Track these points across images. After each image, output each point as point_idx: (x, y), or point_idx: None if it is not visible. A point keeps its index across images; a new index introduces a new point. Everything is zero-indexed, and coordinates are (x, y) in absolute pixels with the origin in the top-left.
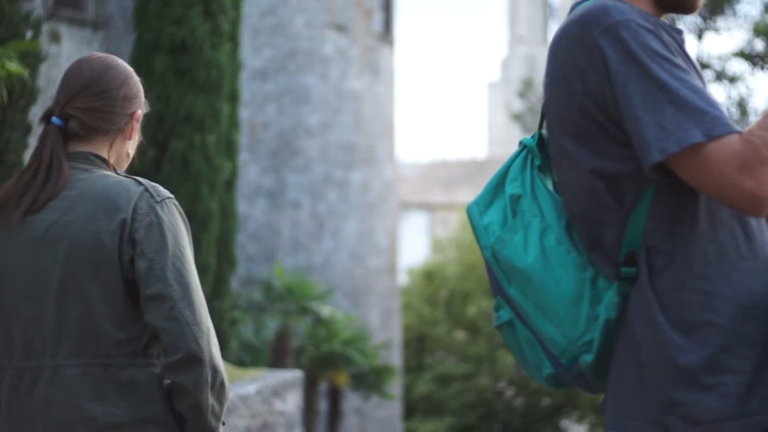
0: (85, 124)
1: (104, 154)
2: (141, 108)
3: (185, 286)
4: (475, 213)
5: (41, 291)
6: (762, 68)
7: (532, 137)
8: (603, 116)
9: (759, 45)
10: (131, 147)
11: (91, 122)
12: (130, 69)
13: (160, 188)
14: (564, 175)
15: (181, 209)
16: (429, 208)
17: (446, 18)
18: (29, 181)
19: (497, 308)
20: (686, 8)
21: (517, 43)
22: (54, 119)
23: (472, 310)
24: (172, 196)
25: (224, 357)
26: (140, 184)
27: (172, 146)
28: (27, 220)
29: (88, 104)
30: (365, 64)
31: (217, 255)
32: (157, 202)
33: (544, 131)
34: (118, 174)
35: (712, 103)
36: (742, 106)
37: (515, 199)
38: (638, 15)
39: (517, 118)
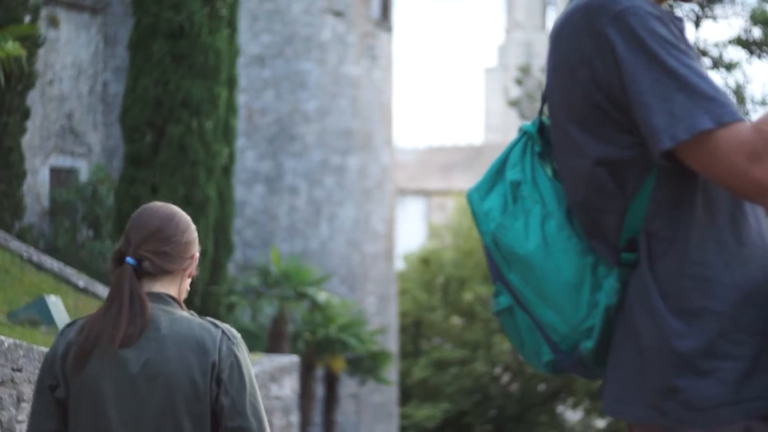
0: (156, 265)
1: (174, 293)
2: (197, 251)
3: (260, 420)
4: (475, 199)
5: (138, 420)
6: (759, 56)
7: (532, 123)
8: (609, 103)
9: (756, 32)
10: (188, 285)
11: (162, 264)
12: (188, 217)
13: (233, 330)
14: (566, 161)
15: (244, 344)
16: (426, 194)
17: (444, 3)
18: (116, 316)
19: (497, 294)
20: None
21: (514, 29)
22: (128, 259)
23: (468, 296)
24: (239, 335)
25: None
26: (217, 326)
27: (169, 131)
28: (121, 354)
29: (158, 248)
30: (363, 49)
31: (214, 240)
32: (234, 344)
33: (544, 117)
34: (193, 315)
35: (719, 91)
36: (739, 93)
37: (515, 186)
38: (644, 2)
39: (515, 104)
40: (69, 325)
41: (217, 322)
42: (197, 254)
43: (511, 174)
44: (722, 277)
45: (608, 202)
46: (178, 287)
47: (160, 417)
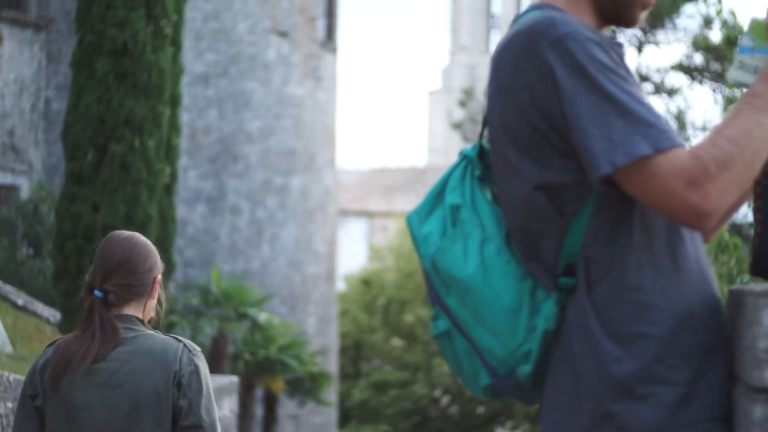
0: (120, 296)
1: (139, 315)
2: (159, 272)
3: (212, 421)
4: (414, 222)
5: (107, 423)
6: (700, 82)
7: (472, 147)
8: (549, 128)
9: (698, 58)
10: (154, 304)
11: (125, 295)
12: (149, 242)
13: (193, 344)
14: (505, 185)
15: (203, 356)
16: (368, 215)
17: (389, 25)
18: (89, 341)
19: (435, 318)
20: (628, 22)
21: (459, 52)
22: (96, 292)
23: (409, 318)
24: (199, 348)
25: None
26: (179, 340)
27: (111, 149)
28: (93, 368)
29: (122, 281)
30: (307, 70)
31: None
32: (194, 355)
33: (484, 141)
34: (157, 332)
35: (658, 117)
36: (680, 119)
37: (455, 209)
38: (585, 27)
39: (458, 126)
40: (51, 344)
41: (179, 337)
42: (159, 276)
43: (451, 198)
44: (659, 302)
45: (547, 227)
46: (143, 308)
47: (126, 421)
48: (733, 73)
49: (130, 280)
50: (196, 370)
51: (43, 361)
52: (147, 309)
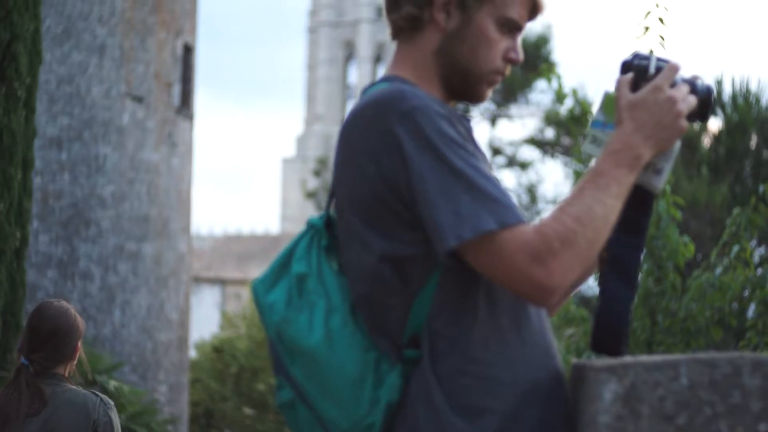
0: (44, 366)
1: (63, 372)
2: (81, 337)
3: None
4: (260, 291)
5: None
6: (552, 155)
7: (319, 217)
8: (395, 200)
9: (549, 133)
10: (74, 363)
11: (51, 363)
12: (74, 316)
13: (107, 398)
14: (351, 255)
15: (116, 410)
16: (221, 282)
17: (245, 91)
18: (17, 401)
19: (279, 387)
20: (474, 99)
21: (314, 121)
22: (23, 360)
23: (260, 386)
24: (112, 402)
25: None
26: (97, 395)
27: None
28: (26, 420)
29: (49, 353)
30: (162, 136)
31: (2, 324)
32: (109, 408)
33: (332, 211)
34: (78, 387)
35: (504, 192)
36: (531, 192)
37: (301, 279)
38: (433, 101)
39: (312, 195)
40: None
41: (97, 392)
42: (80, 342)
43: (297, 267)
44: (504, 376)
45: (392, 298)
46: (66, 368)
47: None
48: (586, 147)
49: (53, 353)
50: (110, 421)
51: None
52: (69, 367)
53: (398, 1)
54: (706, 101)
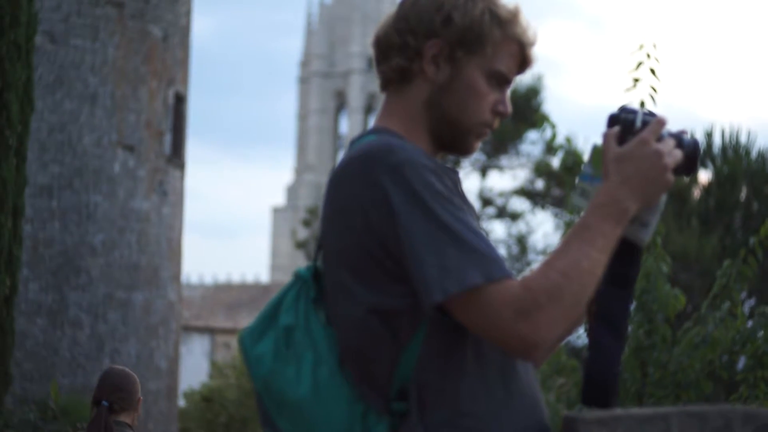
0: (119, 407)
1: (129, 421)
2: (140, 394)
3: None
4: (247, 342)
5: None
6: (542, 206)
7: (306, 268)
8: (382, 253)
9: (539, 184)
10: (137, 415)
11: (122, 405)
12: (134, 375)
13: None
14: (339, 308)
15: None
16: (211, 331)
17: (235, 140)
18: None
19: None
20: (463, 151)
21: (304, 171)
22: (104, 402)
23: None
24: None
25: None
26: None
27: None
28: None
29: (119, 396)
30: (153, 184)
31: None
32: None
33: (319, 263)
34: None
35: (491, 246)
36: (521, 243)
37: (288, 331)
38: (421, 154)
39: (302, 245)
40: None
41: None
42: (141, 397)
43: (285, 319)
44: (491, 428)
45: (380, 350)
46: (131, 416)
47: None
48: (575, 200)
49: (124, 396)
50: None
51: None
52: (134, 417)
53: (388, 53)
54: (693, 156)
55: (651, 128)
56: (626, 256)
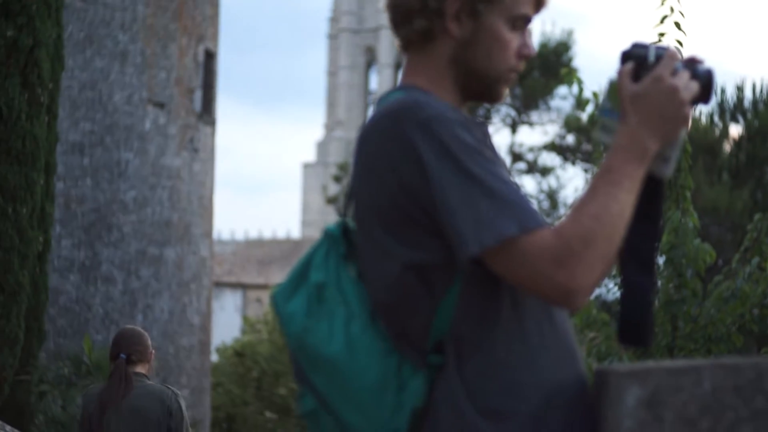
0: (136, 359)
1: (144, 371)
2: (152, 348)
3: None
4: (279, 301)
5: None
6: (572, 162)
7: (336, 225)
8: (415, 208)
9: (570, 139)
10: (150, 366)
11: (138, 357)
12: (144, 331)
13: (176, 389)
14: (371, 263)
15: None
16: (243, 287)
17: (265, 96)
18: (117, 387)
19: (301, 396)
20: (492, 99)
21: (334, 127)
22: (122, 355)
23: (282, 390)
24: (180, 392)
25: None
26: (169, 388)
27: None
28: (122, 402)
29: (136, 349)
30: (184, 141)
31: (26, 328)
32: (179, 397)
33: (348, 219)
34: (154, 382)
35: (523, 197)
36: (552, 197)
37: (319, 288)
38: (449, 108)
39: (333, 201)
40: (88, 390)
41: (170, 386)
42: (152, 350)
43: (315, 276)
44: (528, 379)
45: (415, 305)
46: (146, 367)
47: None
48: (597, 135)
49: (140, 348)
50: (180, 407)
51: (88, 398)
52: (149, 368)
53: (408, 15)
54: (708, 84)
55: (665, 63)
56: (650, 191)
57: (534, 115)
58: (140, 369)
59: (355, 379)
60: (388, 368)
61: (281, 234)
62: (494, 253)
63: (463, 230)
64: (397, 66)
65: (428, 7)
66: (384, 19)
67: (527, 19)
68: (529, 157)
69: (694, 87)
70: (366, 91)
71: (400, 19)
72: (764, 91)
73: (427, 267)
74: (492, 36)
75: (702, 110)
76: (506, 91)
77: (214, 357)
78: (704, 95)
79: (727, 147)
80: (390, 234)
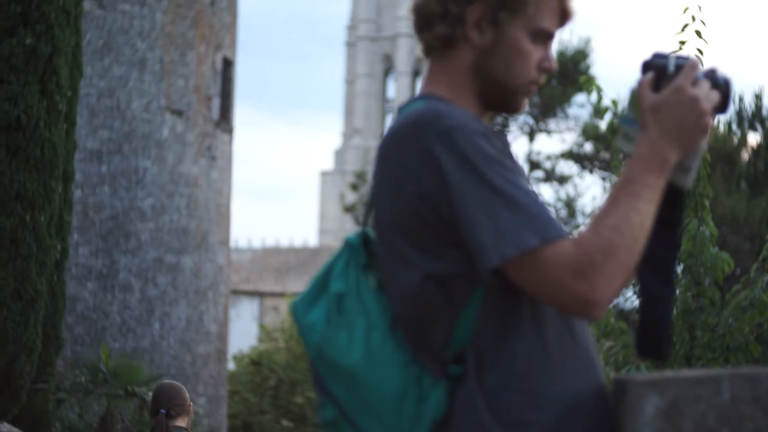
0: (175, 413)
1: (184, 425)
2: (190, 401)
3: None
4: (299, 310)
5: None
6: (590, 170)
7: (356, 235)
8: (436, 218)
9: (588, 147)
10: (189, 419)
11: (177, 411)
12: (183, 387)
13: None
14: (392, 274)
15: None
16: (260, 295)
17: (283, 104)
18: None
19: (321, 406)
20: (511, 110)
21: (352, 135)
22: (162, 411)
23: (299, 399)
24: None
25: None
26: None
27: (2, 224)
28: None
29: (175, 404)
30: (201, 149)
31: (43, 336)
32: None
33: (368, 228)
34: None
35: (543, 207)
36: (570, 206)
37: (340, 298)
38: (470, 118)
39: (350, 209)
40: None
41: None
42: (191, 403)
43: (335, 286)
44: (548, 390)
45: (436, 315)
46: (185, 420)
47: None
48: (619, 143)
49: (178, 405)
50: None
51: None
52: (188, 421)
53: (430, 20)
54: (727, 93)
55: (685, 73)
56: (670, 201)
57: (552, 123)
58: (180, 422)
59: (375, 390)
60: (408, 379)
61: (298, 242)
62: (515, 264)
63: (485, 241)
64: (415, 74)
65: (450, 13)
66: (402, 27)
67: (550, 35)
68: (547, 165)
69: (715, 97)
70: (384, 99)
71: (422, 23)
72: None
73: (447, 277)
74: (513, 47)
75: (720, 119)
76: (525, 103)
77: (231, 365)
78: (722, 105)
79: (746, 155)
80: (410, 244)
